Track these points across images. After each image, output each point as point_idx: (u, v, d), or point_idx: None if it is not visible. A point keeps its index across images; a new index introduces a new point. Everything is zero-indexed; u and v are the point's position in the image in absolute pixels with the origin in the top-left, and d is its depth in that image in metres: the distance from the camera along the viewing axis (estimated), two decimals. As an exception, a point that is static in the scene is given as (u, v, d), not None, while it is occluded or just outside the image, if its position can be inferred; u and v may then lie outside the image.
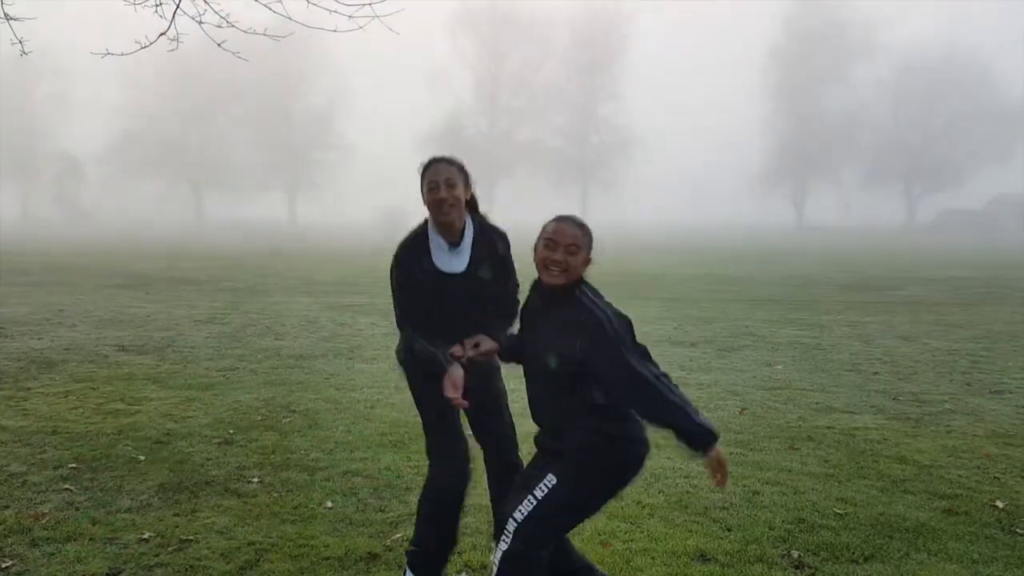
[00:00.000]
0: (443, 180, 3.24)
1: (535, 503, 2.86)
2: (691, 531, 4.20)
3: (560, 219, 2.95)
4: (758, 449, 5.68)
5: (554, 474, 2.89)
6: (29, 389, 7.28)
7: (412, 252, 3.33)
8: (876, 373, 8.63)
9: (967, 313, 14.49)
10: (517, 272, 3.47)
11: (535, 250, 2.93)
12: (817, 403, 7.15)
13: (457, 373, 3.14)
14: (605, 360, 2.79)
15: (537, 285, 3.03)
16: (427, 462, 3.53)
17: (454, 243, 3.30)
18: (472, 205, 3.39)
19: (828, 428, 6.28)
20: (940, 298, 17.38)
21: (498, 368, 3.47)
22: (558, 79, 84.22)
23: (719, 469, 2.78)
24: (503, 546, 2.87)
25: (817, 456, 5.54)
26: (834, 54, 79.13)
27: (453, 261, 3.29)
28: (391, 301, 3.48)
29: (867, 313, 14.28)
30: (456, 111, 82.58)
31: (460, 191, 3.27)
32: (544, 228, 2.94)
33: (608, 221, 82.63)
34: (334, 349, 9.70)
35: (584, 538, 3.97)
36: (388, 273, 3.41)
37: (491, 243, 3.38)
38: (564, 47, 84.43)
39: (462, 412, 3.38)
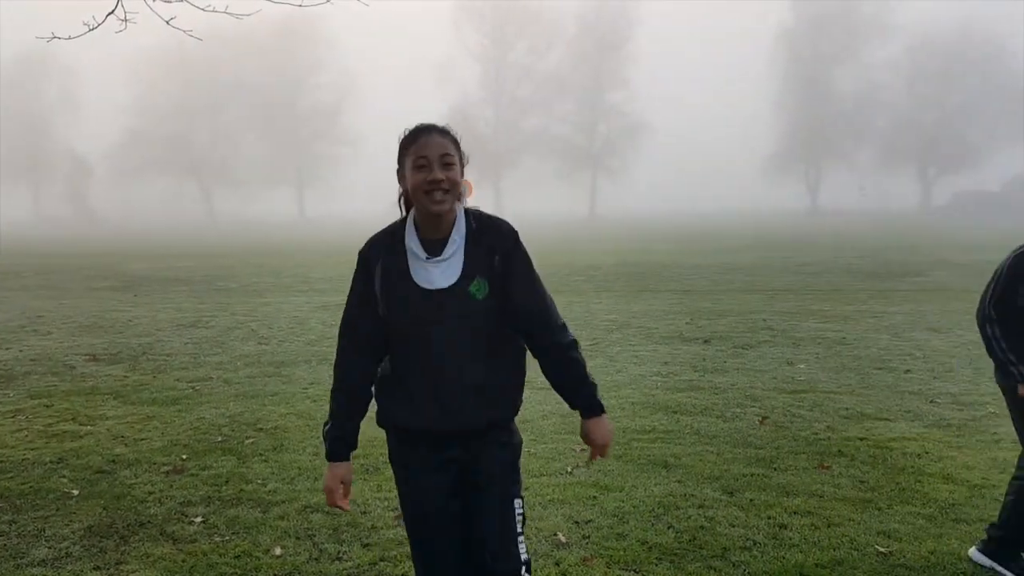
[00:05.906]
0: (437, 156, 2.32)
1: None
2: (707, 582, 3.49)
3: None
4: (783, 468, 4.95)
5: None
6: (-23, 408, 6.64)
7: (388, 255, 2.40)
8: (908, 371, 7.87)
9: (997, 300, 13.65)
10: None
11: None
12: (847, 408, 6.41)
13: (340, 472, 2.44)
14: None
15: None
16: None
17: (436, 247, 2.36)
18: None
19: (861, 440, 5.55)
20: (966, 284, 16.51)
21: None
22: (564, 66, 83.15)
23: None
24: None
25: (851, 476, 4.81)
26: (845, 34, 77.74)
27: (434, 273, 2.33)
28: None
29: (892, 302, 13.48)
30: (463, 101, 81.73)
31: (457, 172, 2.35)
32: None
33: (618, 209, 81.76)
34: (319, 354, 9.02)
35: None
36: None
37: (490, 246, 2.38)
38: (570, 32, 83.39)
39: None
